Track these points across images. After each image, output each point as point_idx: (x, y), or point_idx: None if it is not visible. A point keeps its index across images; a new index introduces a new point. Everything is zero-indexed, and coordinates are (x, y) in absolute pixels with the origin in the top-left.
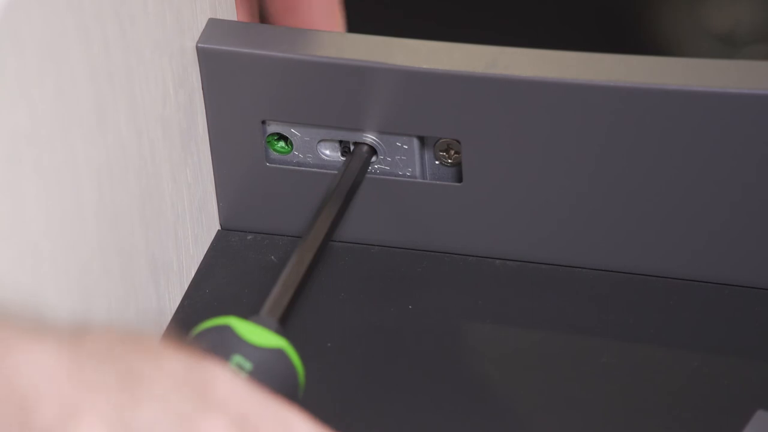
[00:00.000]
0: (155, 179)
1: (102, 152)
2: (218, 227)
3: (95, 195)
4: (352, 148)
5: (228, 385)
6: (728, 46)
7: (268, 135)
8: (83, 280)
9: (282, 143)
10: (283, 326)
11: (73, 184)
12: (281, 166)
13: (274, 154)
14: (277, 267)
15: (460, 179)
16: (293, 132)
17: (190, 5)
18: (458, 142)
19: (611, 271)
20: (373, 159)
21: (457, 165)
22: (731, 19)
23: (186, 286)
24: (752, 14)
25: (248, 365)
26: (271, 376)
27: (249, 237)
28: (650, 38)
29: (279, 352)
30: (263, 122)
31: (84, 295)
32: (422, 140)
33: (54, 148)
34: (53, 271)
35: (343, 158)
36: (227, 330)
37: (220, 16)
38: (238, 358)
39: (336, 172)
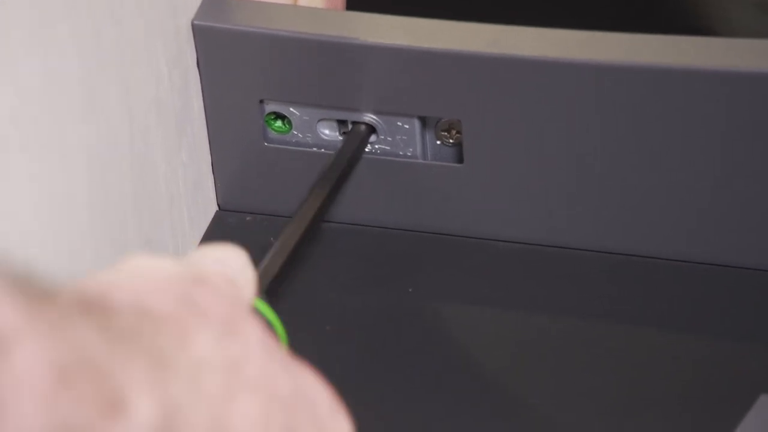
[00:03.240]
0: (148, 161)
1: (93, 134)
2: (216, 208)
3: (86, 177)
4: (351, 127)
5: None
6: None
7: (266, 114)
8: (74, 265)
9: (280, 122)
10: (270, 299)
11: (63, 167)
12: (280, 146)
13: (272, 134)
14: None
15: (461, 160)
16: (292, 111)
17: None
18: (459, 121)
19: (615, 253)
20: (374, 139)
21: (459, 145)
22: None
23: None
24: None
25: None
26: None
27: (248, 218)
28: (686, 7)
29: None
30: (261, 101)
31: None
32: (423, 120)
33: (42, 131)
34: (43, 257)
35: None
36: None
37: None
38: None
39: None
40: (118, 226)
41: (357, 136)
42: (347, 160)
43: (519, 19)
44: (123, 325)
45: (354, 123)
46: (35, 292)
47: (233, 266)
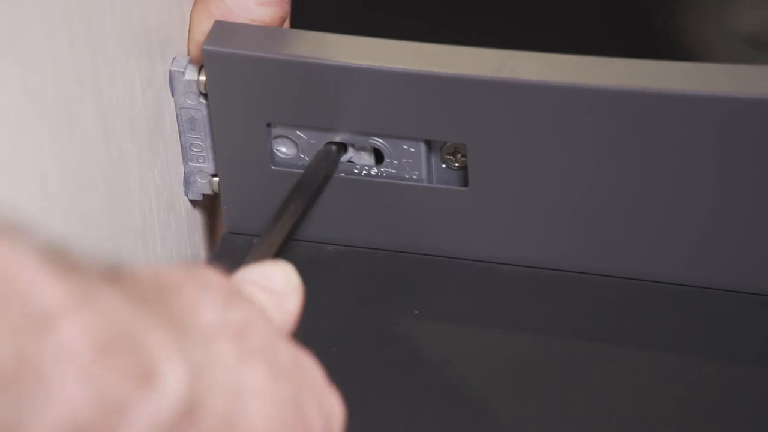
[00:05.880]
0: (123, 180)
1: (69, 152)
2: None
3: (63, 196)
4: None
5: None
6: (754, 49)
7: (273, 137)
8: None
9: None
10: None
11: (40, 185)
12: (287, 169)
13: (279, 157)
14: None
15: (466, 183)
16: (299, 134)
17: (157, 3)
18: (465, 145)
19: (620, 277)
20: (380, 162)
21: (464, 169)
22: (757, 21)
23: None
24: None
25: None
26: None
27: (254, 240)
28: (675, 40)
29: None
30: (268, 125)
31: None
32: (429, 144)
33: (19, 148)
34: None
35: (350, 161)
36: None
37: (185, 13)
38: None
39: (343, 175)
40: (93, 246)
41: (321, 156)
42: (311, 180)
43: (521, 44)
44: (144, 292)
45: (328, 143)
46: (65, 264)
47: (277, 279)
